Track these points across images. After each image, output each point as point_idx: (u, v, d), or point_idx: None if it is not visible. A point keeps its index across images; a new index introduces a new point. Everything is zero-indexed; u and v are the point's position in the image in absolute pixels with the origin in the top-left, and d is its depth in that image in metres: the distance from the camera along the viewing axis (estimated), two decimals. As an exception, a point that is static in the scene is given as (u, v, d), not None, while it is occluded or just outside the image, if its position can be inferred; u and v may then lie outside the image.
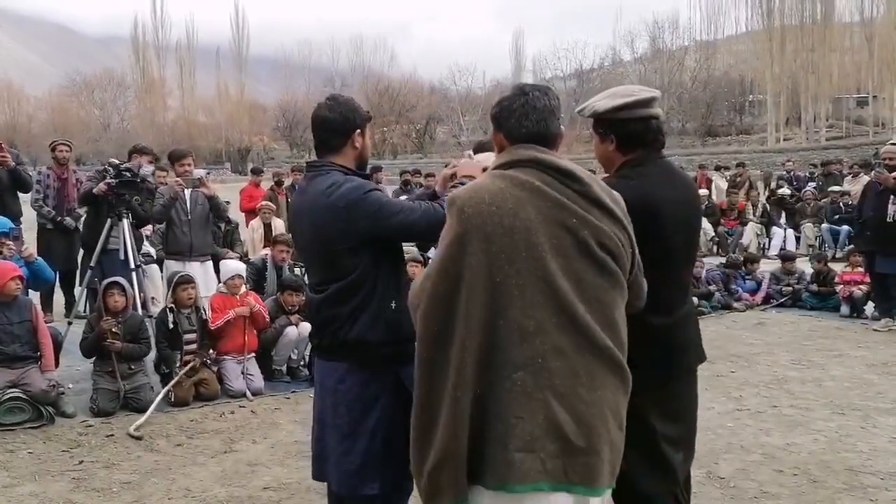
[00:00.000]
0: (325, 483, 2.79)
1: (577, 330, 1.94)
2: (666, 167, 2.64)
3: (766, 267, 10.15)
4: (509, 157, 2.08)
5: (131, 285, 5.74)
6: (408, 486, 2.65)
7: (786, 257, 9.80)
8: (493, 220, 1.94)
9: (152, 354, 5.75)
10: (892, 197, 7.30)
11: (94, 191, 6.25)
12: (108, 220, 6.14)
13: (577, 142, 54.62)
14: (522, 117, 2.11)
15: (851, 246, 9.69)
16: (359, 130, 2.67)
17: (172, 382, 5.41)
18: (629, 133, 2.54)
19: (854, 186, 12.78)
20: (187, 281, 5.79)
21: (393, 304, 2.57)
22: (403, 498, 2.71)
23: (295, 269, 7.36)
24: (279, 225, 9.81)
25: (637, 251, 2.15)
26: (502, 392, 1.92)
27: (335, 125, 2.65)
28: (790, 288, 8.98)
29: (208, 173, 6.86)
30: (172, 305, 5.73)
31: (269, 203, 10.22)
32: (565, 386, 1.92)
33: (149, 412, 5.08)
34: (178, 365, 5.58)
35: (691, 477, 2.83)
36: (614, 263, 2.02)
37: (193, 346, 5.68)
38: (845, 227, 12.16)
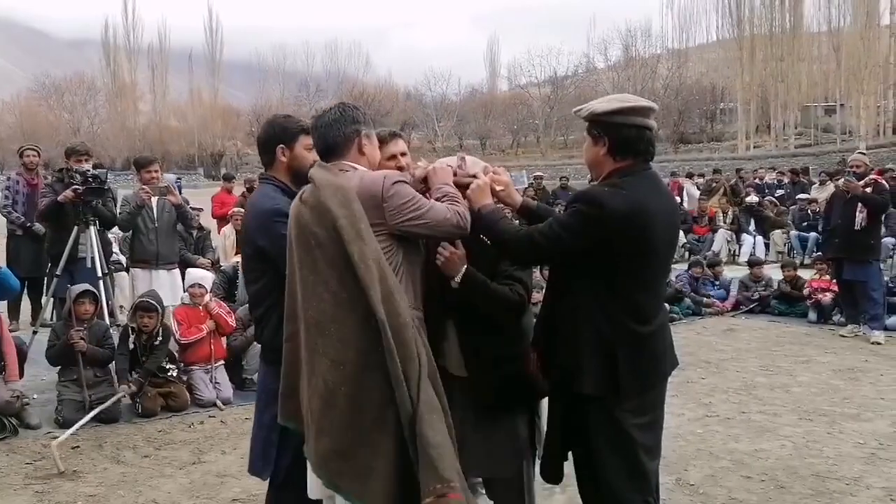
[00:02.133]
0: None
1: (305, 328, 2.50)
2: (653, 179, 2.66)
3: (736, 273, 10.27)
4: None
5: (98, 293, 5.65)
6: None
7: (753, 262, 9.95)
8: (289, 229, 2.60)
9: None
10: (859, 205, 7.42)
11: (60, 199, 6.16)
12: (75, 228, 6.05)
13: (551, 148, 55.00)
14: (314, 137, 2.66)
15: (819, 253, 9.83)
16: (282, 145, 2.96)
17: (106, 405, 5.15)
18: (622, 138, 2.56)
19: (821, 194, 12.98)
20: (145, 309, 5.48)
21: None
22: None
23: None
24: (251, 232, 9.71)
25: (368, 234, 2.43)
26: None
27: (260, 143, 3.04)
28: (758, 295, 9.10)
29: (178, 179, 6.78)
30: (135, 326, 5.53)
31: (241, 209, 10.13)
32: (299, 368, 2.55)
33: (74, 429, 4.80)
34: (146, 382, 5.45)
35: (660, 484, 2.85)
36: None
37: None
38: (813, 234, 12.35)
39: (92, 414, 5.06)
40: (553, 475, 2.78)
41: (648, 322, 2.60)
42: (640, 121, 2.57)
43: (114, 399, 5.23)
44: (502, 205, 2.88)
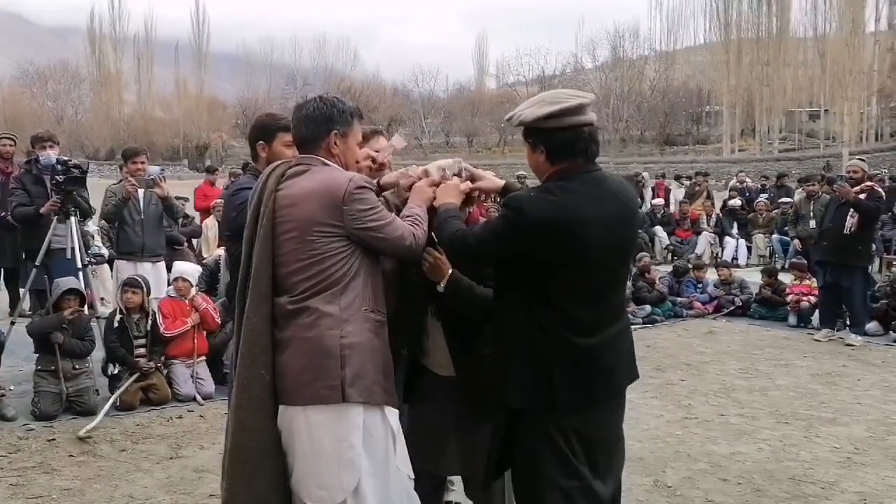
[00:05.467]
0: None
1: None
2: (595, 181, 2.44)
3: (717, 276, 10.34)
4: None
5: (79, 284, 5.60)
6: None
7: (721, 265, 10.14)
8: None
9: (99, 356, 5.62)
10: (850, 210, 7.47)
11: (42, 211, 6.13)
12: (54, 219, 5.98)
13: (537, 147, 55.06)
14: (292, 127, 2.68)
15: (795, 259, 9.92)
16: (261, 142, 3.21)
17: (121, 390, 5.28)
18: (557, 143, 2.40)
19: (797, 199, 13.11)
20: (131, 284, 5.63)
21: None
22: None
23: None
24: (234, 225, 9.70)
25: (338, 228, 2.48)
26: None
27: (248, 139, 3.31)
28: (740, 299, 9.17)
29: (163, 171, 6.70)
30: (122, 307, 5.59)
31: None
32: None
33: (100, 416, 4.94)
34: (127, 372, 5.44)
35: (638, 485, 2.85)
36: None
37: (143, 350, 5.55)
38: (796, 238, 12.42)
39: (114, 397, 5.24)
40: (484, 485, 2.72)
41: (591, 334, 2.40)
42: (574, 120, 2.38)
43: (133, 378, 5.36)
44: (486, 195, 2.87)
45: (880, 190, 8.19)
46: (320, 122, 2.57)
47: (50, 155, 6.28)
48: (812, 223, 11.32)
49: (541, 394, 2.37)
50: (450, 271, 2.68)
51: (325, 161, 2.57)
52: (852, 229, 7.44)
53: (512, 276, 2.46)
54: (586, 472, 2.40)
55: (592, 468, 2.41)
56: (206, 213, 10.63)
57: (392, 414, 2.52)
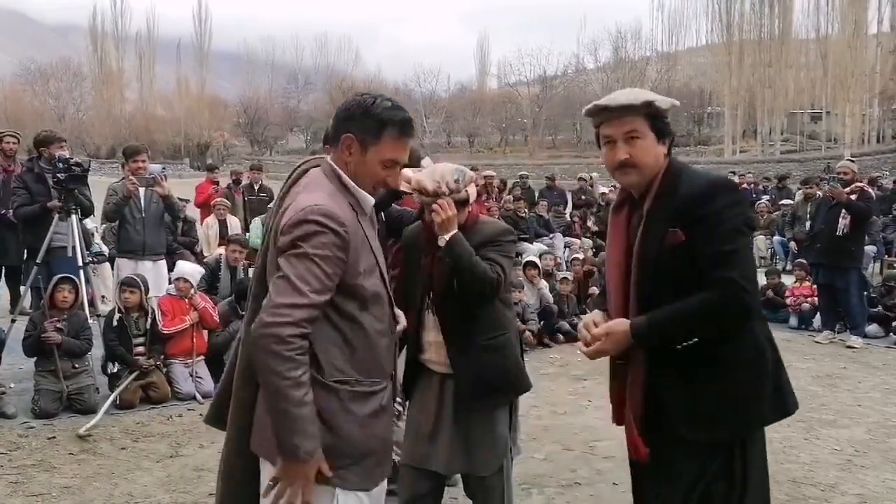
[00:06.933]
0: None
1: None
2: None
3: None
4: None
5: (79, 282, 5.60)
6: None
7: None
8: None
9: (99, 354, 5.62)
10: (842, 211, 7.48)
11: (49, 205, 6.18)
12: (55, 217, 5.99)
13: (538, 147, 55.06)
14: None
15: (799, 260, 9.92)
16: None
17: (121, 388, 5.29)
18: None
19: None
20: (129, 284, 5.63)
21: None
22: None
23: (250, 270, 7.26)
24: (235, 223, 9.72)
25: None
26: None
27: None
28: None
29: (164, 169, 6.70)
30: (121, 305, 5.60)
31: (226, 200, 10.11)
32: None
33: (100, 415, 4.96)
34: (126, 370, 5.44)
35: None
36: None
37: (141, 349, 5.56)
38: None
39: (114, 395, 5.25)
40: None
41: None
42: None
43: (132, 377, 5.37)
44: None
45: (870, 190, 8.20)
46: (340, 120, 2.13)
47: (65, 154, 6.37)
48: (808, 225, 11.34)
49: (760, 409, 2.26)
50: (455, 231, 2.77)
51: (332, 164, 2.14)
52: (845, 230, 7.45)
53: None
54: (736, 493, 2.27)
55: (743, 485, 2.29)
56: (205, 211, 10.62)
57: (345, 495, 2.04)
